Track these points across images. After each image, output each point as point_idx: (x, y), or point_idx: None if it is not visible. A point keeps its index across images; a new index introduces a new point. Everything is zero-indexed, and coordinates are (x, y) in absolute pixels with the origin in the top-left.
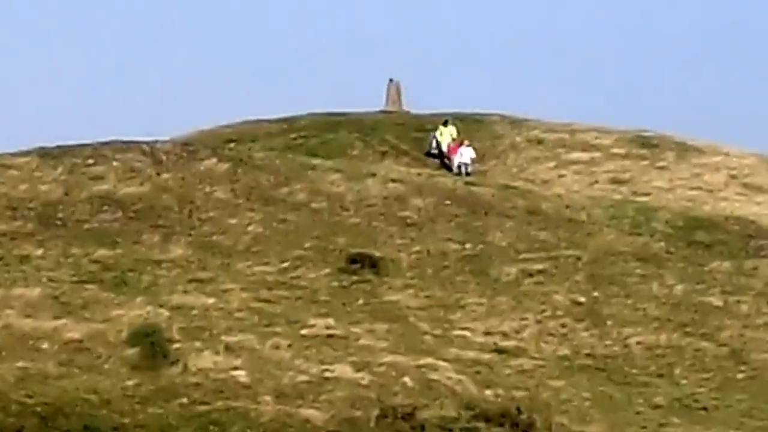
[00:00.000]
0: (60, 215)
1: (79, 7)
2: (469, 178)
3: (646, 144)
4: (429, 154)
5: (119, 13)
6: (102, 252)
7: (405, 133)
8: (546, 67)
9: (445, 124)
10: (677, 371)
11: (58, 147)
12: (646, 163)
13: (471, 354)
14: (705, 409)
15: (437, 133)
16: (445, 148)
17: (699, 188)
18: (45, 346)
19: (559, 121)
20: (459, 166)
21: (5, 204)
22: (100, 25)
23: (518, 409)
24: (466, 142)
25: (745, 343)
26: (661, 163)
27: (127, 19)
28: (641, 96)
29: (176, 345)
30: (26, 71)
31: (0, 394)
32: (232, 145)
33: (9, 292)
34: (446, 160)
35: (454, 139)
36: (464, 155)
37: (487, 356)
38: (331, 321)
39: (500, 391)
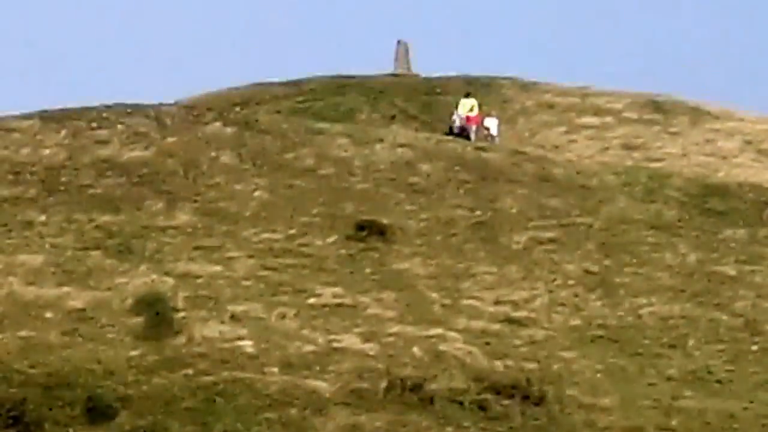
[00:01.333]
0: (63, 180)
1: None
2: (478, 143)
3: (659, 108)
4: (451, 133)
5: None
6: (106, 218)
7: (414, 97)
8: (558, 30)
9: (467, 96)
10: (691, 342)
11: (62, 110)
12: (658, 128)
13: (481, 324)
14: (719, 381)
15: (459, 108)
16: (464, 121)
17: (713, 154)
18: (48, 314)
19: (571, 84)
20: (486, 137)
21: (7, 168)
22: None
23: (528, 380)
24: (494, 113)
25: (760, 314)
26: (674, 129)
27: None
28: (657, 59)
29: (181, 314)
30: (29, 32)
31: (2, 364)
32: (238, 108)
33: (12, 258)
34: (464, 132)
35: (472, 109)
36: (492, 127)
37: (497, 326)
38: (338, 290)
39: (510, 363)
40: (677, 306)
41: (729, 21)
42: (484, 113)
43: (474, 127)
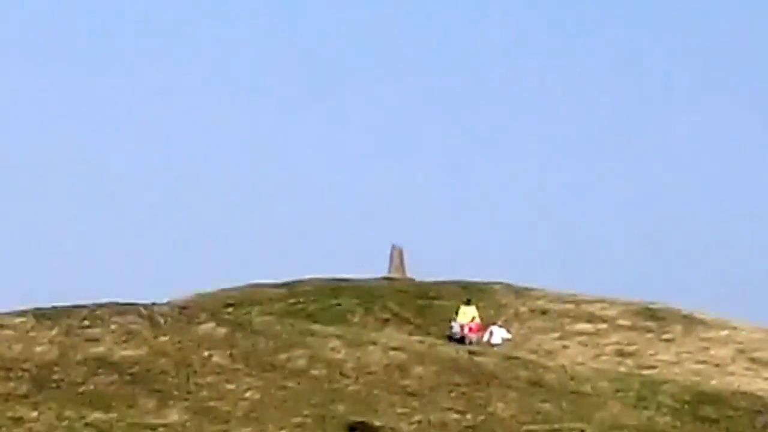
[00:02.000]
0: (55, 377)
1: (83, 169)
2: (471, 347)
3: (653, 316)
4: (452, 340)
5: (118, 176)
6: (96, 415)
7: (408, 301)
8: (552, 238)
9: (467, 303)
10: None
11: (54, 308)
12: (652, 335)
13: None
14: None
15: (458, 316)
16: (466, 330)
17: (706, 362)
18: None
19: (565, 291)
20: (493, 345)
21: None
22: (101, 186)
23: None
24: (499, 323)
25: None
26: (668, 336)
27: (126, 181)
28: (648, 269)
29: None
30: (22, 230)
31: None
32: (231, 309)
33: None
34: (464, 340)
35: (473, 319)
36: (495, 335)
37: None
38: None
39: None
40: None
41: (724, 224)
42: (485, 323)
43: (474, 338)
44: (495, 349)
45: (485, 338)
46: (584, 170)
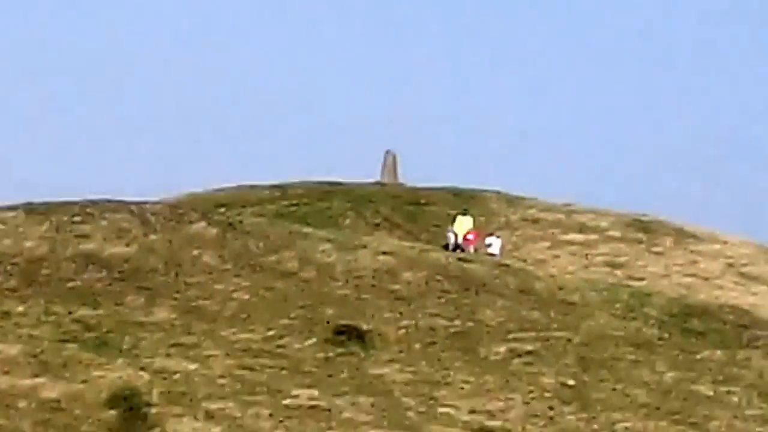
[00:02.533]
0: (44, 272)
1: (76, 62)
2: (462, 254)
3: (643, 228)
4: (446, 248)
5: (115, 71)
6: (84, 311)
7: (399, 206)
8: (547, 148)
9: (464, 213)
10: None
11: (45, 203)
12: (642, 247)
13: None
14: None
15: (454, 225)
16: (461, 240)
17: (695, 275)
18: (22, 404)
19: (556, 201)
20: (490, 255)
21: None
22: (97, 81)
23: None
24: (497, 234)
25: None
26: (658, 248)
27: (124, 77)
28: (641, 183)
29: (155, 409)
30: (18, 126)
31: None
32: (222, 209)
33: None
34: (459, 249)
35: (470, 231)
36: (494, 246)
37: None
38: (314, 392)
39: None
40: (652, 423)
41: (717, 145)
42: (484, 232)
43: (471, 248)
44: (492, 258)
45: (483, 248)
46: (580, 79)
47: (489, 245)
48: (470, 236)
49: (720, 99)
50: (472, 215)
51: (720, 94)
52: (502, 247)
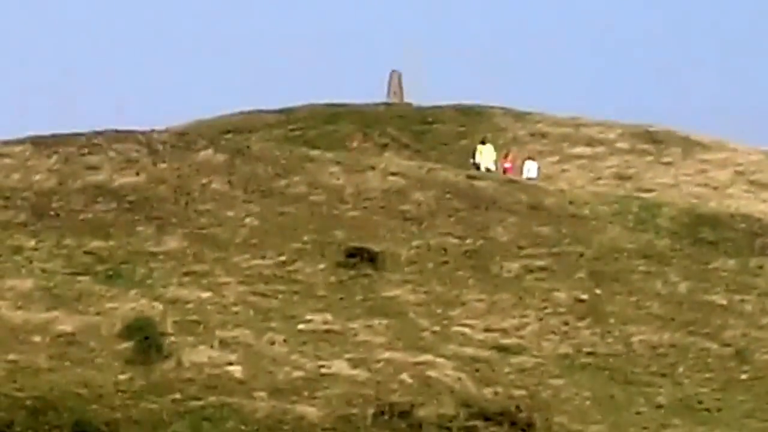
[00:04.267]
0: (54, 205)
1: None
2: (469, 172)
3: (651, 139)
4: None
5: (121, 5)
6: (96, 243)
7: (406, 126)
8: (553, 63)
9: (483, 142)
10: (680, 371)
11: (53, 136)
12: (650, 158)
13: (470, 351)
14: (707, 409)
15: (476, 153)
16: (491, 167)
17: (704, 185)
18: (36, 338)
19: (563, 114)
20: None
21: None
22: (102, 15)
23: (518, 407)
24: (531, 157)
25: (749, 343)
26: (666, 159)
27: (131, 11)
28: (648, 93)
29: (170, 339)
30: (24, 57)
31: None
32: (229, 136)
33: (0, 283)
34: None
35: (507, 158)
36: (531, 170)
37: (486, 353)
38: (328, 316)
39: (499, 390)
40: (667, 334)
41: (724, 53)
42: (519, 157)
43: (512, 175)
44: (532, 182)
45: (523, 174)
46: None
47: (528, 170)
48: (507, 164)
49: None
50: (491, 143)
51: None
52: (539, 170)
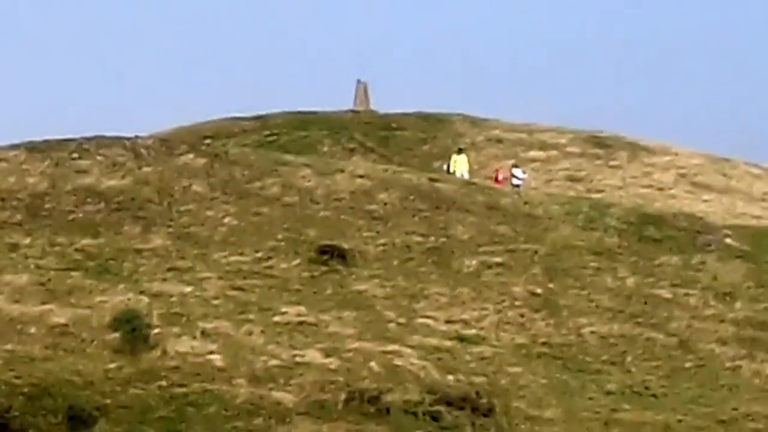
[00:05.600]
0: (47, 206)
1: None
2: (431, 175)
3: (600, 144)
4: None
5: (106, 14)
6: (86, 241)
7: (372, 131)
8: (507, 70)
9: (459, 152)
10: (629, 359)
11: (45, 141)
12: (599, 162)
13: (434, 341)
14: (654, 396)
15: (450, 162)
16: (466, 176)
17: (650, 186)
18: (32, 330)
19: (518, 121)
20: (515, 186)
21: None
22: (88, 25)
23: (478, 393)
24: (514, 162)
25: (693, 334)
26: (614, 162)
27: (115, 20)
28: (596, 98)
29: (156, 330)
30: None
31: None
32: (208, 141)
33: None
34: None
35: (497, 170)
36: (519, 177)
37: (449, 343)
38: (302, 309)
39: (461, 377)
40: (616, 326)
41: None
42: (506, 166)
43: (503, 185)
44: (516, 189)
45: (512, 182)
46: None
47: (514, 176)
48: (500, 176)
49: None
50: (466, 153)
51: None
52: (527, 178)
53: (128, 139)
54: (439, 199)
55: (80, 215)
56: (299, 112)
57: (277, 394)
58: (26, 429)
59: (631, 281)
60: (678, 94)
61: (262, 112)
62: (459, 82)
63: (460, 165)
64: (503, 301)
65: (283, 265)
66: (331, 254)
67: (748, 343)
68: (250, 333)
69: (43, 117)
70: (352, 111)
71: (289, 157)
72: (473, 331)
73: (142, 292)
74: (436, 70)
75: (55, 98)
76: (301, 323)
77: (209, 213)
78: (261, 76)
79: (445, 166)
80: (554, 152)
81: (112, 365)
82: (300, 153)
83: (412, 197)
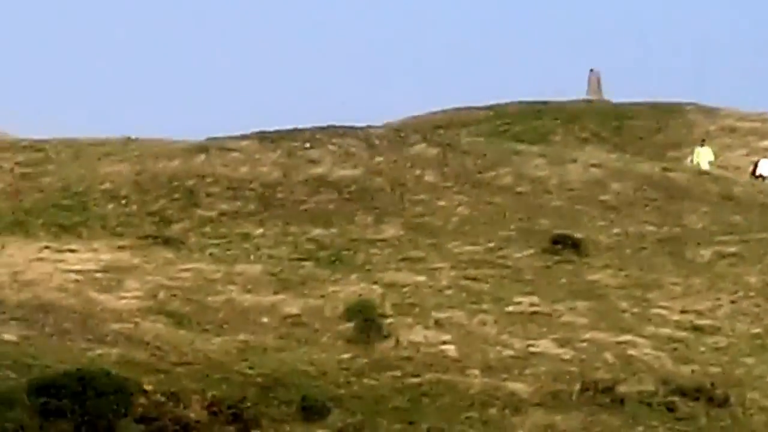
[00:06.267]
0: (279, 196)
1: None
2: (664, 165)
3: None
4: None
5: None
6: (318, 231)
7: (605, 121)
8: (741, 59)
9: (702, 144)
10: None
11: (277, 131)
12: None
13: (667, 331)
14: None
15: (693, 155)
16: (707, 168)
17: None
18: (265, 320)
19: (751, 110)
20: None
21: (227, 185)
22: (320, 14)
23: (713, 384)
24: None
25: None
26: None
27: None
28: None
29: (389, 320)
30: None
31: (223, 365)
32: (441, 131)
33: (231, 268)
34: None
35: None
36: (763, 168)
37: (682, 333)
38: (535, 299)
39: (695, 367)
40: None
41: None
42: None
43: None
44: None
45: (757, 173)
46: None
47: (760, 167)
48: (758, 171)
49: None
50: (709, 146)
51: None
52: None
53: (361, 129)
54: (672, 188)
55: (312, 205)
56: (532, 102)
57: (512, 385)
58: (259, 419)
59: None
60: None
61: (495, 102)
62: (693, 71)
63: (703, 158)
64: (737, 291)
65: (516, 255)
66: (565, 244)
67: None
68: (484, 323)
69: (276, 107)
70: (585, 101)
71: (521, 147)
72: (707, 322)
73: (375, 283)
74: (672, 59)
75: (291, 90)
76: (534, 313)
77: (441, 203)
78: (494, 66)
79: (689, 160)
80: None
81: (345, 355)
82: (533, 142)
83: (645, 187)
